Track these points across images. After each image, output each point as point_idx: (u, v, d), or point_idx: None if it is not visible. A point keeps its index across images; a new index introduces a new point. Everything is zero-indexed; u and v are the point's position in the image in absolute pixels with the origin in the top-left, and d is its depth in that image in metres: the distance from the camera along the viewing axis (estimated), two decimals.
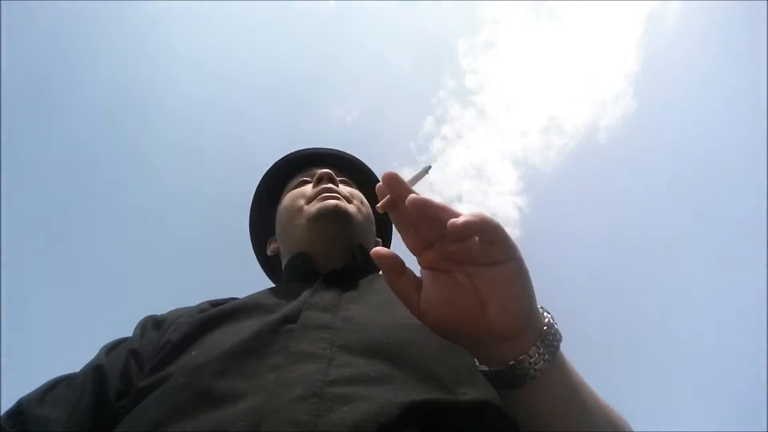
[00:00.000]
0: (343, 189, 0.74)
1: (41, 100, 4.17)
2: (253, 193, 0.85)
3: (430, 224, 0.37)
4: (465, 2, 5.18)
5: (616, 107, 4.98)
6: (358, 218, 0.71)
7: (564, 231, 5.24)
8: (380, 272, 0.73)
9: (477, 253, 0.36)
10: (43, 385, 0.51)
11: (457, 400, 0.39)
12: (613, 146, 5.05)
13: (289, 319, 0.49)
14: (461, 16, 5.25)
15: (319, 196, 0.70)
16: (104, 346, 0.56)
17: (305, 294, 0.54)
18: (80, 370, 0.52)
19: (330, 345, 0.44)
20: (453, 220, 0.34)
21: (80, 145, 4.37)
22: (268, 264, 0.85)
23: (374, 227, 0.78)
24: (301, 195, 0.73)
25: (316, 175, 0.73)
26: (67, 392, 0.48)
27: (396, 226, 0.40)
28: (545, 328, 0.38)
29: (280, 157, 0.84)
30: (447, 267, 0.38)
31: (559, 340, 0.39)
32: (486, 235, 0.35)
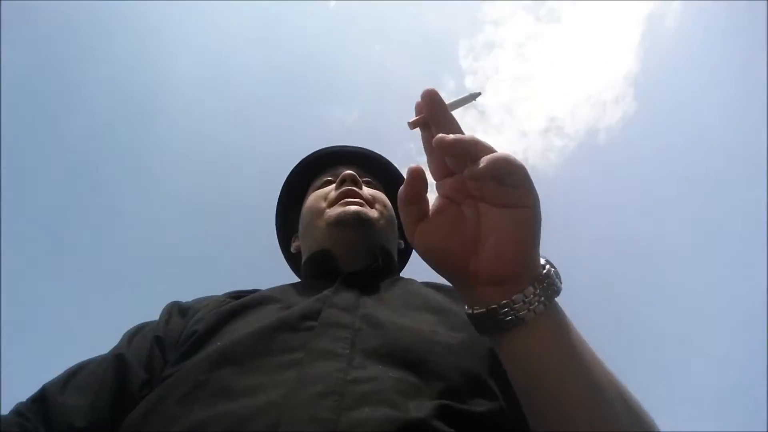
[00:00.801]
0: (366, 191, 0.73)
1: (42, 101, 4.17)
2: (280, 190, 0.85)
3: (456, 158, 0.37)
4: (465, 4, 5.19)
5: (616, 108, 4.98)
6: (380, 223, 0.70)
7: (563, 232, 5.24)
8: (400, 274, 0.74)
9: (491, 191, 0.35)
10: (66, 371, 0.51)
11: (471, 411, 0.39)
12: (613, 147, 5.05)
13: (309, 316, 0.49)
14: (461, 17, 5.26)
15: (341, 201, 0.69)
16: (127, 331, 0.56)
17: (325, 293, 0.55)
18: (102, 357, 0.52)
19: (350, 345, 0.44)
20: (472, 166, 0.34)
21: (82, 146, 4.37)
22: (294, 260, 0.85)
23: (396, 230, 0.77)
24: (323, 196, 0.73)
25: (339, 177, 0.73)
26: (89, 380, 0.48)
27: (424, 145, 0.40)
28: (543, 275, 0.37)
29: (307, 154, 0.84)
30: (459, 198, 0.38)
31: (556, 290, 0.37)
32: (506, 177, 0.34)
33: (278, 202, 0.86)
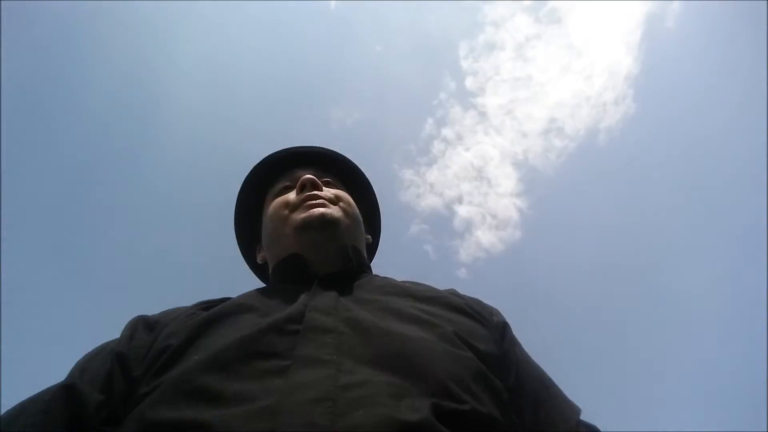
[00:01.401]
0: (327, 192, 0.72)
1: (42, 101, 4.17)
2: (236, 199, 0.82)
3: None
4: (465, 5, 5.19)
5: (616, 109, 4.99)
6: (346, 222, 0.69)
7: (564, 233, 5.24)
8: (372, 267, 0.73)
9: None
10: (9, 409, 0.48)
11: (462, 409, 0.40)
12: (613, 148, 5.05)
13: (294, 319, 0.48)
14: (462, 18, 5.26)
15: (304, 204, 0.68)
16: (81, 358, 0.54)
17: (304, 296, 0.54)
18: (51, 388, 0.50)
19: (336, 350, 0.44)
20: None
21: (81, 146, 4.38)
22: (260, 270, 0.83)
23: (362, 225, 0.76)
24: (284, 204, 0.71)
25: (299, 182, 0.71)
26: (37, 418, 0.46)
27: None
28: None
29: (259, 160, 0.81)
30: None
31: None
32: None
33: (236, 211, 0.83)
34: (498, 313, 0.62)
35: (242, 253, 0.85)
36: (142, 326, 0.57)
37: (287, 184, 0.76)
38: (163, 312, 0.60)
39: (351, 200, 0.75)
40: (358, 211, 0.75)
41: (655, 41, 4.91)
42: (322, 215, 0.66)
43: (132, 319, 0.58)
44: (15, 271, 3.53)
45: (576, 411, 0.54)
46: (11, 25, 3.63)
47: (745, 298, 4.22)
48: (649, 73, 4.93)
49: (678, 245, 4.80)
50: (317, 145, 0.83)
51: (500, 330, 0.58)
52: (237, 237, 0.84)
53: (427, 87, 5.36)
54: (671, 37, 4.84)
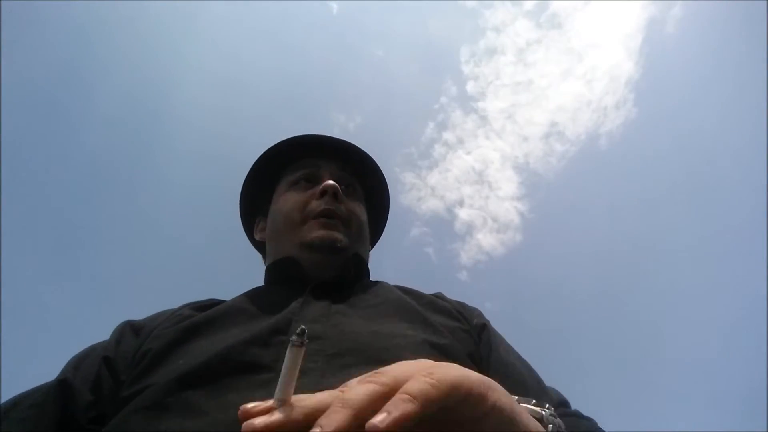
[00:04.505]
0: (345, 206, 0.71)
1: (47, 103, 4.19)
2: (252, 165, 0.80)
3: None
4: (467, 9, 5.22)
5: (617, 114, 4.99)
6: (353, 247, 0.69)
7: (565, 236, 5.24)
8: (371, 278, 0.73)
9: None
10: (4, 402, 0.49)
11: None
12: (614, 152, 5.06)
13: (280, 329, 0.48)
14: (463, 22, 5.28)
15: (319, 220, 0.67)
16: (73, 357, 0.54)
17: (294, 305, 0.54)
18: (45, 385, 0.51)
19: (321, 356, 0.44)
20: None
21: (87, 148, 4.39)
22: (256, 243, 0.81)
23: (368, 239, 0.76)
24: (300, 206, 0.69)
25: (322, 186, 0.69)
26: (30, 412, 0.47)
27: None
28: None
29: (288, 137, 0.78)
30: None
31: None
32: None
33: (247, 181, 0.80)
34: (479, 315, 0.64)
35: (243, 221, 0.83)
36: (129, 331, 0.57)
37: (307, 179, 0.74)
38: (151, 316, 0.60)
39: (363, 215, 0.74)
40: (367, 228, 0.75)
41: (656, 46, 4.92)
42: (333, 242, 0.66)
43: (119, 325, 0.59)
44: (17, 270, 3.54)
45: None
46: (15, 26, 3.65)
47: (744, 301, 4.21)
48: (650, 77, 4.95)
49: (679, 249, 4.79)
50: (352, 143, 0.80)
51: (478, 331, 0.59)
52: (241, 199, 0.81)
53: (429, 91, 5.37)
54: (672, 41, 4.86)
